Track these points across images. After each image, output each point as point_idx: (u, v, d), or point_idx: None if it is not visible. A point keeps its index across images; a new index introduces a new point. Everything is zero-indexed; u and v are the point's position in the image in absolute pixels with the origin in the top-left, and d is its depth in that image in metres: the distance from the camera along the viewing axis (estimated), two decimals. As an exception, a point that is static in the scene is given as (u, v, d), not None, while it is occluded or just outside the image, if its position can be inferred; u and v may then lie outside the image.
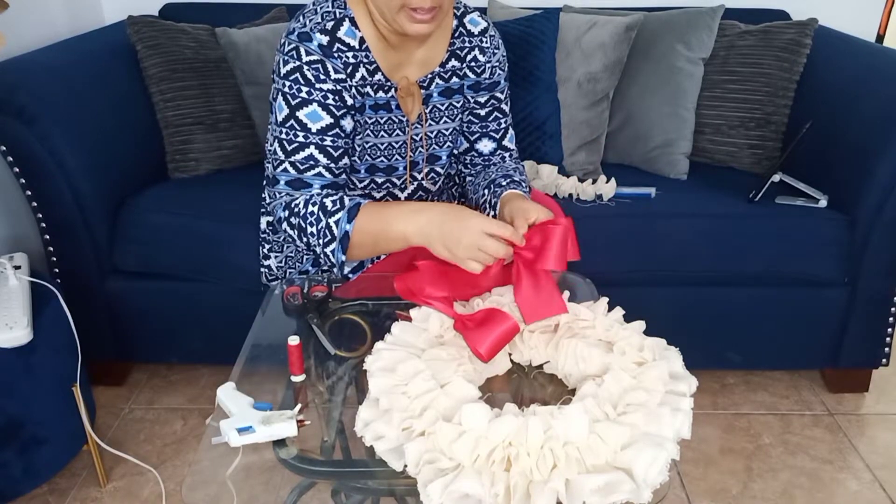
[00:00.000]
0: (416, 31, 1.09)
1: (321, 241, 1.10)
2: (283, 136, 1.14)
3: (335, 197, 1.12)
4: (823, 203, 1.67)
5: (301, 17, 1.15)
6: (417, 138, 1.26)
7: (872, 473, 1.56)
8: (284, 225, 1.15)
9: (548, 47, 1.87)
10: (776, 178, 1.71)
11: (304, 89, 1.12)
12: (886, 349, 1.73)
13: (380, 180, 1.28)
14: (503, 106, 1.33)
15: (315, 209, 1.11)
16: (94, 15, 2.17)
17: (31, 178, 1.56)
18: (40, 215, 1.61)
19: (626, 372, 0.83)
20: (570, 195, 1.75)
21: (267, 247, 1.38)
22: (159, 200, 1.72)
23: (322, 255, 1.12)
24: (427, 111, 1.25)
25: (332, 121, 1.14)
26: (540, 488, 0.70)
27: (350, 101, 1.16)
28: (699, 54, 1.89)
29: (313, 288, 1.10)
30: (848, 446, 1.64)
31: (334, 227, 1.08)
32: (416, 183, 1.32)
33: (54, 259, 1.65)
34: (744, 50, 1.90)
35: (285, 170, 1.15)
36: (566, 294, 1.01)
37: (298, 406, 0.82)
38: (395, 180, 1.29)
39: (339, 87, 1.14)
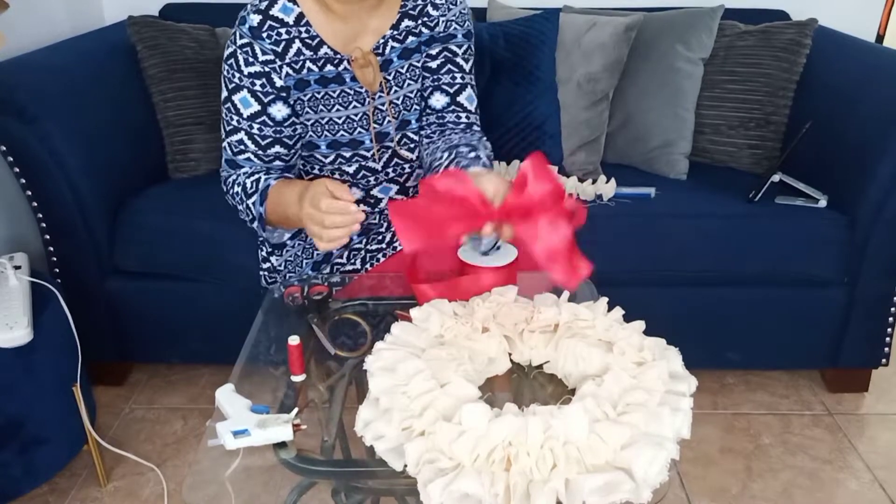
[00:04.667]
0: None
1: (247, 219, 1.20)
2: (224, 116, 1.20)
3: (254, 178, 1.17)
4: (823, 203, 1.68)
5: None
6: (384, 108, 1.23)
7: (872, 473, 1.56)
8: (227, 198, 1.24)
9: (547, 47, 1.87)
10: (776, 178, 1.71)
11: (237, 75, 1.16)
12: (886, 349, 1.73)
13: (347, 155, 1.27)
14: (458, 60, 1.27)
15: (239, 189, 1.19)
16: (94, 15, 2.17)
17: (31, 178, 1.56)
18: (40, 215, 1.61)
19: (625, 372, 0.83)
20: (570, 195, 1.75)
21: (267, 249, 1.38)
22: (159, 200, 1.72)
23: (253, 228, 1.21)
24: (390, 77, 1.22)
25: (259, 108, 1.17)
26: (540, 488, 0.70)
27: (279, 83, 1.16)
28: (699, 54, 1.89)
29: (313, 288, 1.10)
30: (848, 446, 1.64)
31: (252, 209, 1.17)
32: (389, 152, 1.29)
33: (54, 259, 1.65)
34: (743, 50, 1.90)
35: (224, 149, 1.22)
36: (566, 294, 1.01)
37: (295, 410, 0.82)
38: (363, 153, 1.28)
39: (266, 69, 1.15)
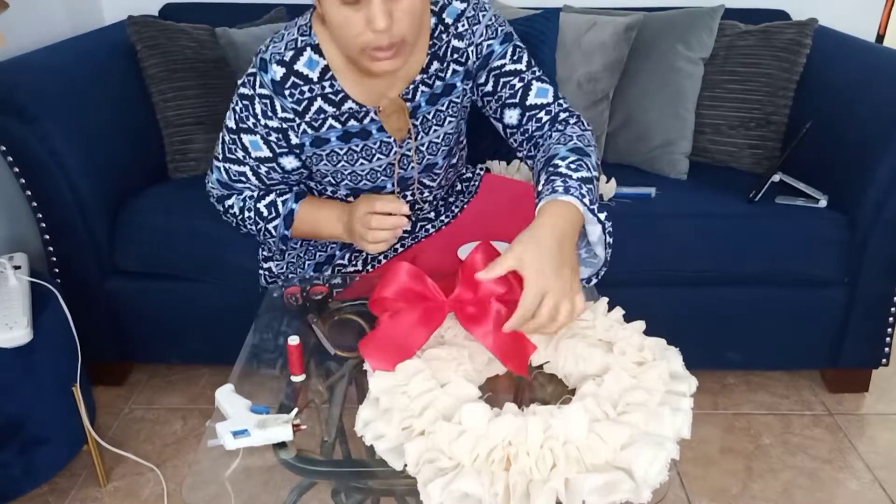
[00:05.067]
0: (382, 69, 1.01)
1: (262, 237, 1.23)
2: (227, 142, 1.16)
3: (267, 202, 1.19)
4: (823, 203, 1.67)
5: (272, 39, 1.12)
6: (410, 154, 1.19)
7: (872, 473, 1.56)
8: (221, 213, 1.25)
9: (548, 47, 1.87)
10: (776, 178, 1.71)
11: (251, 120, 1.12)
12: (886, 349, 1.73)
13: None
14: (508, 68, 1.15)
15: (251, 214, 1.20)
16: (94, 15, 2.17)
17: (31, 178, 1.56)
18: (40, 215, 1.61)
19: (626, 372, 0.83)
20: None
21: (266, 253, 1.38)
22: (159, 200, 1.72)
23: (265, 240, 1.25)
24: (417, 123, 1.17)
25: (270, 155, 1.15)
26: (539, 488, 0.70)
27: (295, 140, 1.14)
28: (699, 54, 1.89)
29: (313, 288, 1.10)
30: (848, 446, 1.64)
31: (273, 231, 1.20)
32: (409, 194, 1.27)
33: (54, 259, 1.65)
34: (744, 50, 1.90)
35: (219, 169, 1.19)
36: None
37: (295, 410, 0.82)
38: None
39: (284, 126, 1.12)
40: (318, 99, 1.11)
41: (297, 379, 0.93)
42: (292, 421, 0.80)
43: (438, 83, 1.16)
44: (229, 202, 1.22)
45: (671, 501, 1.47)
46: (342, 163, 1.17)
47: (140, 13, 1.93)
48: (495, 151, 1.86)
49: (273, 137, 1.13)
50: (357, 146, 1.16)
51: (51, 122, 1.51)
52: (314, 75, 1.10)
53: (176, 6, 2.12)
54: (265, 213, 1.18)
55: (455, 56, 1.15)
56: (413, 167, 1.21)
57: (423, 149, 1.20)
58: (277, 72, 1.09)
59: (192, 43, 1.87)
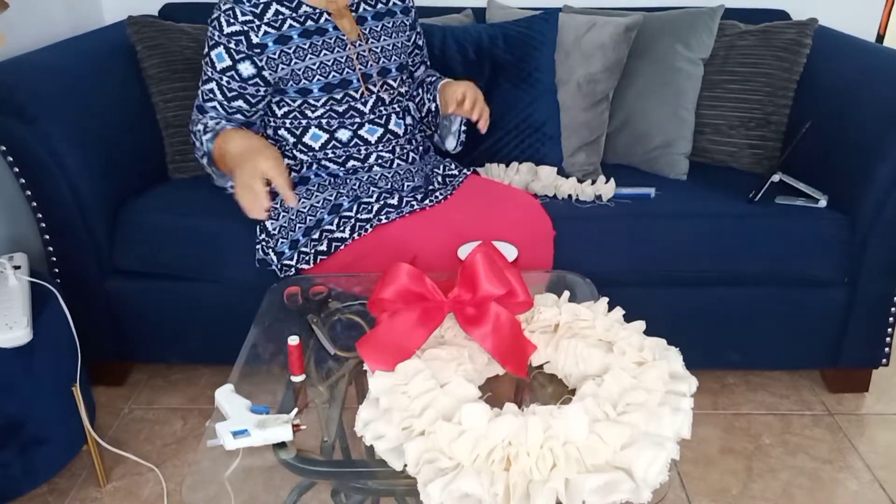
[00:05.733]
0: None
1: (199, 155, 1.43)
2: (203, 68, 1.41)
3: (216, 121, 1.40)
4: (823, 203, 1.67)
5: None
6: (365, 53, 1.45)
7: (872, 473, 1.56)
8: (190, 136, 1.46)
9: (547, 48, 1.87)
10: (776, 178, 1.71)
11: (216, 33, 1.37)
12: (886, 349, 1.73)
13: (338, 96, 1.43)
14: (419, 41, 1.64)
15: (200, 127, 1.40)
16: (94, 15, 2.17)
17: (31, 178, 1.56)
18: (40, 215, 1.61)
19: (626, 372, 0.83)
20: (570, 196, 1.75)
21: (259, 223, 1.47)
22: (159, 200, 1.72)
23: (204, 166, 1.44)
24: (365, 31, 1.45)
25: (229, 63, 1.38)
26: (539, 488, 0.70)
27: (256, 40, 1.36)
28: (699, 54, 1.89)
29: (313, 288, 1.10)
30: (848, 446, 1.64)
31: (204, 144, 1.38)
32: (374, 95, 1.47)
33: (54, 259, 1.65)
34: (744, 50, 1.90)
35: (198, 96, 1.43)
36: (566, 294, 1.01)
37: (295, 410, 0.82)
38: (352, 93, 1.44)
39: (245, 29, 1.35)
40: (274, 3, 1.37)
41: (297, 379, 0.93)
42: (292, 421, 0.80)
43: (381, 6, 1.50)
44: (198, 127, 1.41)
45: (671, 501, 1.47)
46: (309, 56, 1.39)
47: (140, 13, 1.93)
48: (494, 154, 1.86)
49: (233, 43, 1.36)
50: (318, 42, 1.40)
51: (51, 122, 1.51)
52: None
53: (176, 6, 2.12)
54: (208, 127, 1.39)
55: None
56: (371, 65, 1.46)
57: (378, 52, 1.48)
58: None
59: (192, 43, 1.87)
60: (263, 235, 1.46)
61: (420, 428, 0.77)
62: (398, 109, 1.52)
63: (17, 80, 1.53)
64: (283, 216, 1.44)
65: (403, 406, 0.79)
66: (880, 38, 2.31)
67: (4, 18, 1.34)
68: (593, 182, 1.78)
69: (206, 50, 1.39)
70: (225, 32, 1.36)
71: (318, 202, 1.43)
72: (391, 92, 1.50)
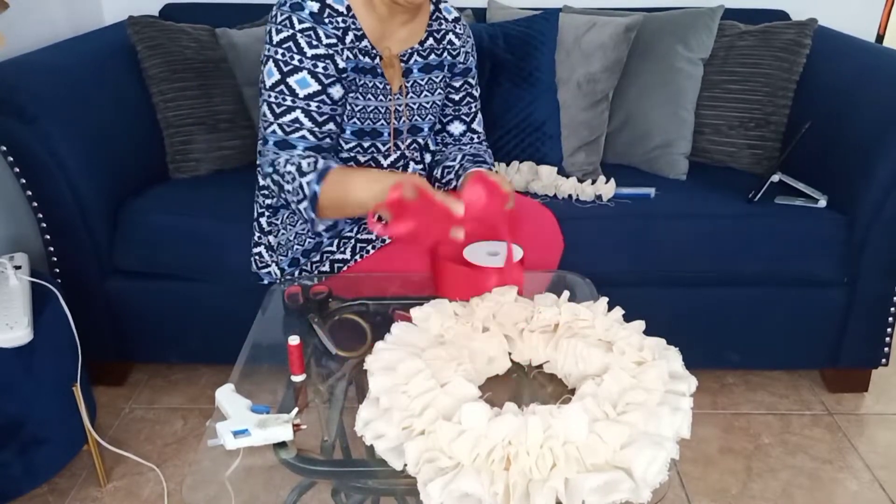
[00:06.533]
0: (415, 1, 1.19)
1: (295, 199, 1.19)
2: (272, 99, 1.22)
3: (311, 159, 1.19)
4: (823, 203, 1.68)
5: None
6: (400, 108, 1.34)
7: (872, 473, 1.56)
8: (268, 181, 1.25)
9: (547, 48, 1.87)
10: (776, 178, 1.71)
11: (296, 57, 1.20)
12: (886, 349, 1.73)
13: (366, 145, 1.33)
14: (474, 91, 1.46)
15: (292, 169, 1.19)
16: (94, 15, 2.17)
17: (31, 178, 1.56)
18: (40, 215, 1.61)
19: (625, 371, 0.83)
20: (570, 196, 1.75)
21: (264, 227, 1.41)
22: (159, 200, 1.73)
23: (298, 211, 1.22)
24: (408, 84, 1.34)
25: (319, 88, 1.22)
26: (539, 487, 0.70)
27: (342, 65, 1.24)
28: (699, 55, 1.89)
29: (313, 288, 1.10)
30: (847, 446, 1.64)
31: (306, 188, 1.16)
32: (398, 152, 1.37)
33: (54, 259, 1.65)
34: (743, 50, 1.90)
35: (273, 131, 1.23)
36: (566, 294, 1.02)
37: (295, 410, 0.82)
38: (379, 146, 1.34)
39: (330, 52, 1.22)
40: (350, 31, 1.25)
41: (297, 379, 0.93)
42: (292, 421, 0.80)
43: (433, 57, 1.36)
44: (280, 159, 1.22)
45: (671, 501, 1.48)
46: (357, 95, 1.28)
47: (140, 13, 1.93)
48: (494, 153, 1.86)
49: (320, 67, 1.21)
50: (369, 82, 1.29)
51: (51, 122, 1.51)
52: (342, 9, 1.24)
53: (176, 6, 2.12)
54: (304, 168, 1.17)
55: (451, 48, 1.38)
56: (404, 121, 1.35)
57: (414, 108, 1.36)
58: (313, 6, 1.20)
59: (192, 43, 1.87)
60: (259, 249, 1.42)
61: (420, 427, 0.77)
62: (416, 158, 1.42)
63: (17, 80, 1.53)
64: (283, 234, 1.38)
65: (403, 406, 0.79)
66: (880, 38, 2.31)
67: (4, 18, 1.34)
68: (593, 182, 1.78)
69: (278, 77, 1.21)
70: (308, 55, 1.20)
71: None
72: (417, 149, 1.42)
